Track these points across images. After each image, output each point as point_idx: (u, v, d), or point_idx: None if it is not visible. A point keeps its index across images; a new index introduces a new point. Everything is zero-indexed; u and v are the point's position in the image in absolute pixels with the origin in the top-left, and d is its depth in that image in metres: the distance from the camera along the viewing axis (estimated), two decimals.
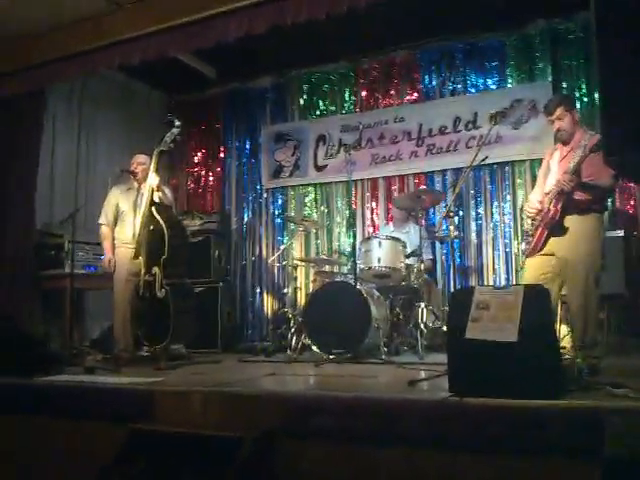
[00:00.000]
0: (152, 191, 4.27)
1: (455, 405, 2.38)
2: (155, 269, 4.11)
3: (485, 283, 5.31)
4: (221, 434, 2.65)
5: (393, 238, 4.53)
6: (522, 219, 5.12)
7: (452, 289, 5.37)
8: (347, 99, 6.14)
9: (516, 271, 5.16)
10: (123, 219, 4.59)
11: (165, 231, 4.10)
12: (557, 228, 3.25)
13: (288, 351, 4.49)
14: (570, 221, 3.25)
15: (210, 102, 6.76)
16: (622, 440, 1.93)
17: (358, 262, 4.45)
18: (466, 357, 2.46)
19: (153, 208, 4.19)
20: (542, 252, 3.34)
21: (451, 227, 4.30)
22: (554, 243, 3.30)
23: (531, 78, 5.34)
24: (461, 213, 5.46)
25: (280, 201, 6.41)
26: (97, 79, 5.83)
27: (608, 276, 4.12)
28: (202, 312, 5.44)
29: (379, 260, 4.40)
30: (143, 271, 4.16)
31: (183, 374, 3.69)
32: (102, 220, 4.68)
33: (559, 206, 3.23)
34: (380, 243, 4.44)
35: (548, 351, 2.42)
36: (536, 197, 3.50)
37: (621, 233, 4.31)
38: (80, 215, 5.17)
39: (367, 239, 4.66)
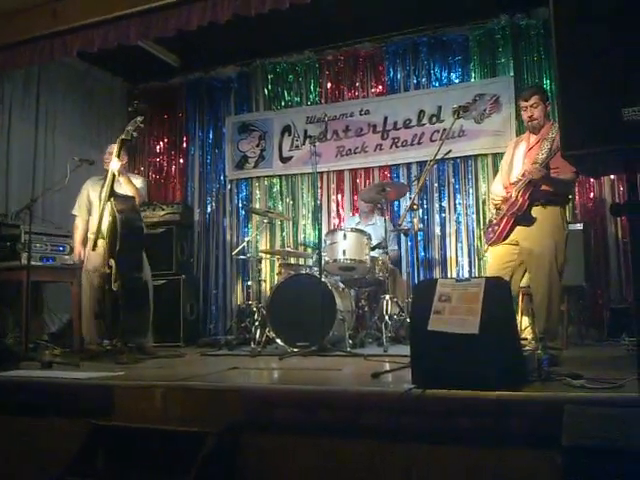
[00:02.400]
0: (112, 179, 4.15)
1: (417, 397, 2.40)
2: (111, 261, 4.02)
3: (449, 275, 5.37)
4: (183, 429, 2.63)
5: (358, 230, 4.53)
6: (484, 212, 5.21)
7: (417, 281, 5.42)
8: (312, 90, 6.10)
9: (479, 264, 5.25)
10: (93, 210, 4.47)
11: (118, 223, 4.00)
12: (524, 218, 3.28)
13: (252, 344, 4.46)
14: (536, 212, 3.29)
15: (173, 91, 6.63)
16: (579, 429, 1.97)
17: (323, 254, 4.44)
18: (428, 349, 2.48)
19: (112, 198, 4.09)
20: (506, 241, 3.37)
21: (415, 220, 4.32)
22: (519, 232, 3.34)
23: (494, 73, 5.42)
24: (425, 206, 5.51)
25: (244, 192, 6.34)
26: (56, 66, 5.67)
27: (568, 268, 4.22)
28: (164, 306, 5.40)
29: (344, 252, 4.40)
30: (101, 263, 4.08)
31: (144, 368, 3.63)
32: (75, 211, 4.59)
33: (527, 196, 3.27)
34: (345, 235, 4.44)
35: (509, 342, 2.46)
36: (499, 187, 3.56)
37: (581, 226, 4.42)
38: (38, 206, 5.03)
39: (332, 231, 4.66)
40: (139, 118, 4.20)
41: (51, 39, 4.36)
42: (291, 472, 2.54)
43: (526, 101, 3.44)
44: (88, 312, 4.36)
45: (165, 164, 6.67)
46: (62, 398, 3.02)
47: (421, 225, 5.10)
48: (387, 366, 3.33)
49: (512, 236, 3.36)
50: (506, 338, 2.45)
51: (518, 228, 3.33)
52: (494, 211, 3.51)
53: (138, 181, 4.54)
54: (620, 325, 4.44)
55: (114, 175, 4.17)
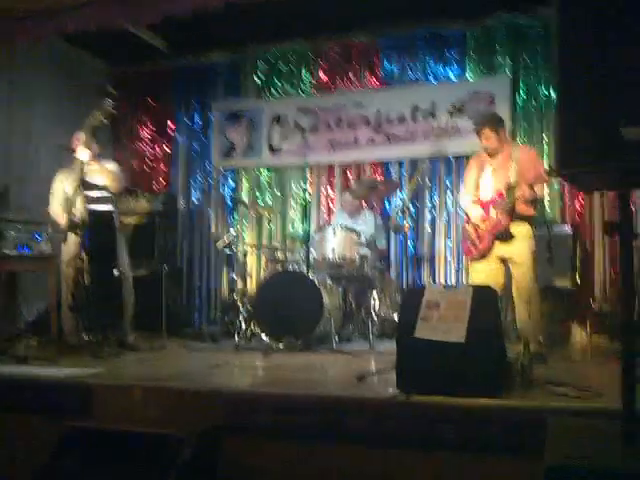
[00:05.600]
0: (81, 169, 4.01)
1: (402, 403, 2.36)
2: (83, 255, 3.92)
3: (437, 273, 5.33)
4: (162, 432, 2.54)
5: (348, 228, 4.46)
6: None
7: (405, 278, 5.38)
8: (304, 80, 5.96)
9: (467, 263, 5.20)
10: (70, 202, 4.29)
11: (87, 216, 3.92)
12: (505, 235, 3.58)
13: (236, 337, 4.39)
14: (513, 227, 3.59)
15: (160, 75, 6.42)
16: (561, 446, 1.93)
17: (312, 251, 4.38)
18: (414, 356, 2.45)
19: (81, 189, 3.96)
20: (490, 257, 3.65)
21: (405, 222, 4.26)
22: (500, 248, 3.63)
23: (490, 71, 5.31)
24: (417, 205, 5.42)
25: (231, 182, 6.23)
26: (34, 44, 5.36)
27: (556, 270, 4.24)
28: (146, 297, 5.27)
29: (333, 250, 4.33)
30: (74, 256, 4.00)
31: (124, 365, 3.55)
32: (50, 208, 4.37)
33: (505, 217, 3.57)
34: (335, 233, 4.37)
35: (495, 350, 2.43)
36: (468, 199, 3.84)
37: (569, 229, 4.39)
38: (13, 193, 4.86)
39: (322, 228, 4.58)
40: (108, 102, 4.01)
41: (36, 19, 4.20)
42: (272, 477, 2.49)
43: (478, 134, 3.75)
44: (65, 304, 4.22)
45: (150, 150, 6.49)
46: (37, 397, 2.94)
47: (411, 224, 5.05)
48: (373, 366, 3.33)
49: (494, 252, 3.64)
50: (492, 346, 2.42)
51: (498, 243, 3.62)
52: (469, 226, 3.77)
53: (111, 166, 4.32)
54: (603, 325, 4.47)
55: (82, 165, 4.00)
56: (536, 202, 3.60)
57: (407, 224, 4.55)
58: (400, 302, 2.76)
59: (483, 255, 3.65)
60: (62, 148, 4.45)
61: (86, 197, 3.94)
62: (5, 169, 5.19)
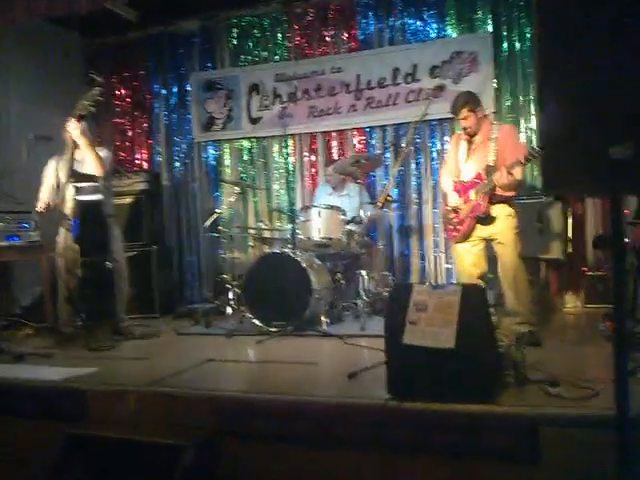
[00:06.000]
0: (71, 157, 3.94)
1: (393, 409, 2.38)
2: (75, 246, 3.88)
3: (425, 242, 5.30)
4: (160, 441, 2.57)
5: (332, 207, 4.38)
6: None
7: (393, 249, 5.35)
8: (280, 46, 5.76)
9: None
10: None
11: (78, 207, 3.87)
12: (486, 218, 3.56)
13: (227, 322, 4.37)
14: (495, 209, 3.55)
15: (133, 46, 6.20)
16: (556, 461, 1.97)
17: (297, 231, 4.32)
18: (404, 361, 2.43)
19: (71, 179, 3.90)
20: (472, 239, 3.64)
21: (389, 211, 4.18)
22: (483, 230, 3.61)
23: (471, 29, 5.13)
24: (401, 172, 5.33)
25: (213, 155, 6.09)
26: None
27: (547, 241, 4.23)
28: (137, 277, 5.28)
29: (319, 231, 4.28)
30: (67, 247, 3.93)
31: (118, 362, 3.52)
32: (42, 197, 4.28)
33: (487, 199, 3.52)
34: (319, 213, 4.30)
35: (486, 352, 2.41)
36: (448, 181, 3.79)
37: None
38: None
39: (306, 208, 4.50)
40: (95, 90, 3.92)
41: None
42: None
43: (456, 115, 3.66)
44: (61, 294, 4.22)
45: (129, 125, 6.33)
46: (34, 401, 2.96)
47: (396, 198, 5.02)
48: (364, 355, 3.34)
49: (476, 233, 3.63)
50: (483, 348, 2.39)
51: (479, 226, 3.60)
52: (449, 209, 3.74)
53: (102, 153, 4.23)
54: (597, 292, 4.51)
55: (73, 155, 3.95)
56: (516, 185, 3.50)
57: (391, 212, 4.44)
58: (387, 301, 2.70)
59: (465, 237, 3.64)
60: (40, 140, 4.32)
61: (75, 187, 3.88)
62: None
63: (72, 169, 3.97)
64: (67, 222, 3.95)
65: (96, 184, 4.06)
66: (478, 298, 2.46)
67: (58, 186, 4.21)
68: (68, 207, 3.94)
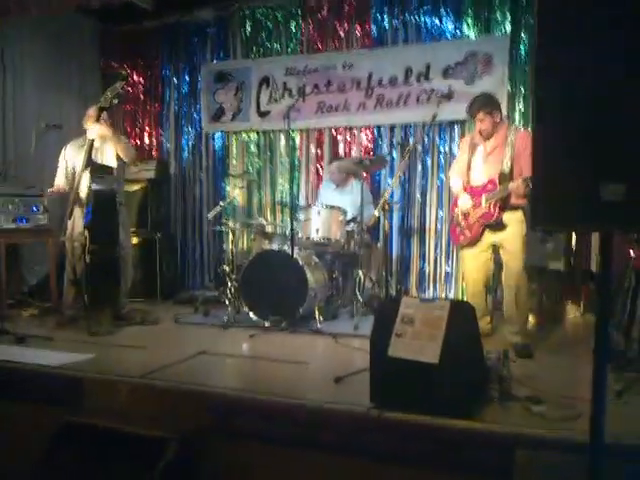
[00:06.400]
0: (90, 148, 4.04)
1: (375, 418, 2.40)
2: (86, 232, 3.97)
3: (427, 244, 5.28)
4: (146, 434, 2.63)
5: (332, 207, 4.39)
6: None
7: (394, 249, 5.34)
8: (293, 39, 5.71)
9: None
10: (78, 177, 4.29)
11: (92, 196, 3.96)
12: (496, 225, 3.51)
13: (227, 309, 4.43)
14: (506, 215, 3.50)
15: (148, 35, 6.18)
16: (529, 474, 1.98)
17: (297, 230, 4.34)
18: (388, 373, 2.44)
19: (89, 169, 3.99)
20: (480, 245, 3.61)
21: (386, 222, 4.18)
22: (491, 236, 3.57)
23: (488, 29, 5.03)
24: (407, 173, 5.30)
25: (221, 146, 6.09)
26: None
27: (550, 252, 4.21)
28: (141, 264, 5.40)
29: (317, 231, 4.29)
30: (80, 232, 4.06)
31: (115, 350, 3.60)
32: (57, 181, 4.45)
33: (497, 208, 3.47)
34: (319, 212, 4.31)
35: (471, 368, 2.43)
36: (458, 182, 3.73)
37: None
38: (9, 166, 4.85)
39: (307, 207, 4.51)
40: (119, 84, 4.01)
41: None
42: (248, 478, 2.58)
43: (472, 117, 3.62)
44: (67, 277, 4.36)
45: (140, 112, 6.35)
46: (33, 386, 3.05)
47: (400, 202, 5.05)
48: (355, 357, 3.39)
49: (485, 239, 3.59)
50: (468, 364, 2.41)
51: (488, 232, 3.56)
52: (459, 212, 3.69)
53: (124, 138, 4.44)
54: (594, 302, 4.48)
55: (92, 144, 4.05)
56: (530, 194, 3.49)
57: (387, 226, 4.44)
58: (374, 315, 2.72)
59: (473, 243, 3.61)
60: (50, 129, 4.40)
61: (92, 175, 3.97)
62: (1, 135, 5.14)
63: (90, 159, 4.07)
64: (81, 209, 4.08)
65: (112, 174, 4.17)
66: (466, 314, 2.47)
67: (73, 172, 4.30)
68: (83, 194, 4.05)
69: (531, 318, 4.19)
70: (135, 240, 5.36)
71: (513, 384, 2.63)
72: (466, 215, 3.62)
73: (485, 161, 3.59)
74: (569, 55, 1.47)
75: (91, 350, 3.43)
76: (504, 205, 3.46)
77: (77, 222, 4.18)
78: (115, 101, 4.05)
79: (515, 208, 3.47)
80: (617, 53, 1.40)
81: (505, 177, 3.41)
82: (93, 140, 4.08)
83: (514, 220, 3.48)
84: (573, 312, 4.74)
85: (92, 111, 4.22)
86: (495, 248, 3.61)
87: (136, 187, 5.60)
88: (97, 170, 4.05)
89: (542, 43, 1.54)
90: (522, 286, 3.53)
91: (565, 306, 4.75)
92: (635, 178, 1.41)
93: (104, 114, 4.18)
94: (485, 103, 3.56)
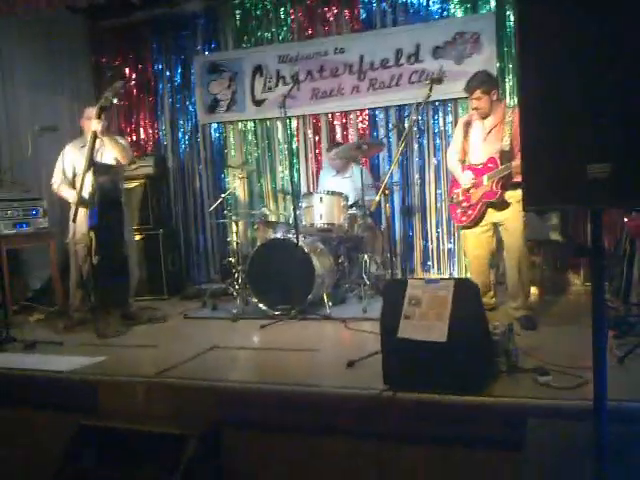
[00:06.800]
0: (92, 148, 4.03)
1: (389, 399, 2.47)
2: (91, 234, 3.97)
3: (428, 224, 5.34)
4: (166, 432, 2.68)
5: (334, 193, 4.43)
6: None
7: (396, 230, 5.40)
8: (283, 26, 5.72)
9: None
10: (77, 179, 4.26)
11: (97, 196, 3.94)
12: (498, 204, 3.54)
13: (235, 300, 4.48)
14: (507, 194, 3.53)
15: (137, 28, 6.16)
16: (541, 445, 2.05)
17: (300, 217, 4.39)
18: (399, 354, 2.52)
19: (91, 169, 3.99)
20: (482, 224, 3.65)
21: (387, 205, 4.20)
22: (493, 215, 3.61)
23: (475, 8, 5.06)
24: (405, 154, 5.33)
25: (218, 137, 6.12)
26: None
27: (546, 224, 4.27)
28: (145, 261, 5.44)
29: (321, 217, 4.34)
30: (84, 234, 4.04)
31: (126, 351, 3.62)
32: (54, 180, 4.43)
33: (501, 185, 3.50)
34: (321, 199, 4.35)
35: (479, 345, 2.49)
36: (455, 159, 3.77)
37: None
38: (7, 171, 4.85)
39: (308, 194, 4.55)
40: (118, 84, 4.03)
41: None
42: (272, 469, 2.65)
43: (470, 95, 3.60)
44: (74, 280, 4.36)
45: (134, 107, 6.36)
46: (47, 394, 3.08)
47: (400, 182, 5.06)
48: (366, 340, 3.42)
49: (486, 219, 3.62)
50: (475, 341, 2.47)
51: (490, 210, 3.59)
52: (459, 191, 3.70)
53: (123, 141, 4.39)
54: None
55: (94, 144, 4.03)
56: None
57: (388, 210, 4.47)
58: (382, 297, 2.77)
59: (475, 223, 3.64)
60: (45, 131, 4.40)
61: (96, 175, 3.97)
62: None
63: (92, 159, 4.05)
64: (85, 210, 4.07)
65: (116, 173, 4.19)
66: (470, 292, 2.53)
67: (74, 174, 4.32)
68: (86, 195, 4.03)
69: (534, 290, 4.27)
70: (138, 238, 5.38)
71: (519, 356, 2.71)
72: (468, 195, 3.64)
73: (485, 140, 3.61)
74: (552, 52, 1.53)
75: (102, 352, 3.44)
76: (506, 183, 3.48)
77: (80, 223, 4.16)
78: (115, 100, 4.05)
79: (516, 186, 3.47)
80: (599, 46, 1.45)
81: (506, 155, 3.43)
82: (95, 140, 4.05)
83: (514, 199, 3.51)
84: (574, 281, 4.82)
85: (91, 111, 4.19)
86: (496, 226, 3.66)
87: (135, 184, 5.59)
88: (101, 170, 4.04)
89: (525, 42, 1.61)
90: (523, 261, 3.58)
91: (566, 276, 4.84)
92: (619, 156, 1.48)
93: (104, 115, 4.14)
94: (483, 81, 3.56)
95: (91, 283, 4.03)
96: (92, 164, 4.03)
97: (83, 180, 4.05)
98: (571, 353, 2.87)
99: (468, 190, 3.63)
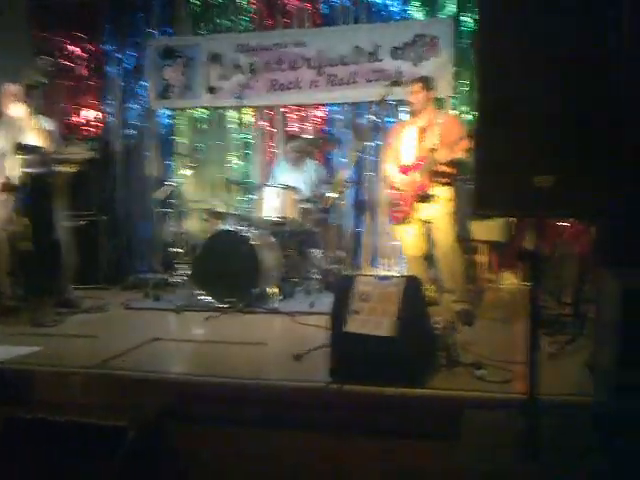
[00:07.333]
0: (18, 126, 3.82)
1: (335, 393, 2.47)
2: (25, 220, 3.80)
3: (378, 219, 5.37)
4: (104, 423, 2.58)
5: (287, 186, 4.40)
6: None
7: (347, 226, 5.40)
8: (243, 16, 5.61)
9: None
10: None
11: (27, 180, 3.79)
12: (425, 197, 3.77)
13: (180, 292, 4.38)
14: (436, 190, 3.76)
15: (89, 7, 5.88)
16: (476, 435, 2.10)
17: (252, 209, 4.34)
18: (346, 348, 2.53)
19: (18, 151, 3.76)
20: (414, 221, 3.84)
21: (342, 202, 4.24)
22: (423, 211, 3.81)
23: (434, 10, 5.13)
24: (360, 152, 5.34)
25: (168, 123, 5.95)
26: None
27: (492, 226, 4.36)
28: (86, 248, 5.16)
29: (272, 210, 4.31)
30: (6, 219, 3.86)
31: (63, 340, 3.46)
32: None
33: (429, 179, 3.74)
34: (274, 192, 4.32)
35: (421, 341, 2.55)
36: (392, 167, 3.98)
37: None
38: None
39: (261, 187, 4.51)
40: (45, 61, 3.88)
41: None
42: (215, 463, 2.58)
43: (411, 88, 3.91)
44: (2, 268, 4.10)
45: (81, 90, 6.09)
46: None
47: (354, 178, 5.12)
48: (313, 334, 3.36)
49: (416, 215, 3.82)
50: (420, 336, 2.53)
51: (420, 206, 3.79)
52: (393, 191, 3.94)
53: (47, 124, 4.11)
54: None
55: (18, 122, 3.80)
56: (456, 163, 3.71)
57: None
58: (333, 290, 2.78)
59: (407, 219, 3.83)
60: None
61: (22, 159, 3.76)
62: None
63: (18, 141, 3.82)
64: (14, 194, 3.84)
65: (43, 156, 3.94)
66: (416, 288, 2.58)
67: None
68: (15, 179, 3.82)
69: (471, 287, 4.37)
70: (78, 224, 5.13)
71: (458, 351, 2.78)
72: (402, 191, 3.85)
73: (417, 140, 3.87)
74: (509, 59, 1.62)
75: (37, 342, 3.27)
76: (433, 175, 3.73)
77: (2, 210, 3.91)
78: (43, 80, 3.85)
79: (444, 182, 3.74)
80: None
81: (435, 153, 3.70)
82: (20, 123, 3.83)
83: (443, 197, 3.75)
84: (510, 280, 5.00)
85: (14, 88, 3.93)
86: (427, 224, 3.85)
87: (76, 168, 5.34)
88: (30, 152, 3.82)
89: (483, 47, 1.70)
90: (455, 259, 3.82)
91: (504, 275, 5.01)
92: (563, 170, 1.60)
93: (29, 93, 3.92)
94: (424, 80, 3.93)
95: (21, 271, 3.86)
96: (20, 146, 3.80)
97: (11, 163, 3.82)
98: (506, 348, 2.96)
99: (403, 189, 3.84)
